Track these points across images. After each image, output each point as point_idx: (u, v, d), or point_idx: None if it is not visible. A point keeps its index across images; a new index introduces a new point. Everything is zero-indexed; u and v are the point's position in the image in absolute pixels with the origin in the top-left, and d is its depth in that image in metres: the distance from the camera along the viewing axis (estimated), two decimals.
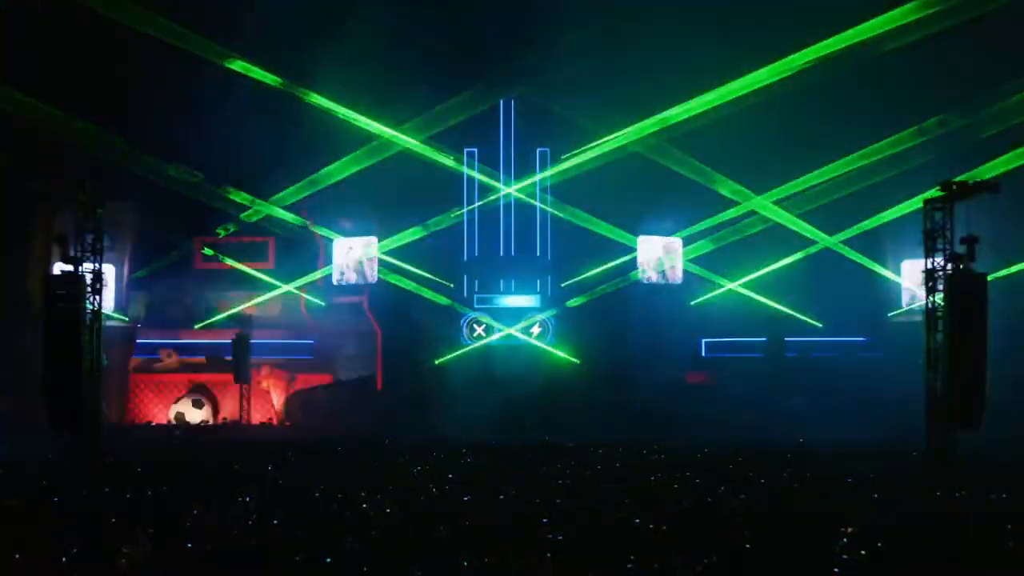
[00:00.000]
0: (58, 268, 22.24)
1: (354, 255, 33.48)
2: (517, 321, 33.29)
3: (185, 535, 11.19)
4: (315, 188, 32.33)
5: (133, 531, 10.87)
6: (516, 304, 33.79)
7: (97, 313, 20.69)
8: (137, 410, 33.90)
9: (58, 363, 20.20)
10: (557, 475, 17.30)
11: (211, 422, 32.50)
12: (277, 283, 33.97)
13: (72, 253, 20.36)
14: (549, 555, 9.89)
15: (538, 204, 33.54)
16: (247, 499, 13.55)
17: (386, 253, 33.62)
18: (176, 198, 30.93)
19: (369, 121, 31.24)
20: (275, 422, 33.74)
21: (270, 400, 34.23)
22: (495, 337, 33.21)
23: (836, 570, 9.42)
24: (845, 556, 9.85)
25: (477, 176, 33.68)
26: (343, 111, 30.77)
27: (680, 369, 32.11)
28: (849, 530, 11.06)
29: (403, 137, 31.89)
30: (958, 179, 19.30)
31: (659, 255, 33.12)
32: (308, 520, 12.09)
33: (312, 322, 34.90)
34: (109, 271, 22.93)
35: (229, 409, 33.51)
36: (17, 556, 9.98)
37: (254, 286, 34.15)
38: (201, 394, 33.35)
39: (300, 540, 10.82)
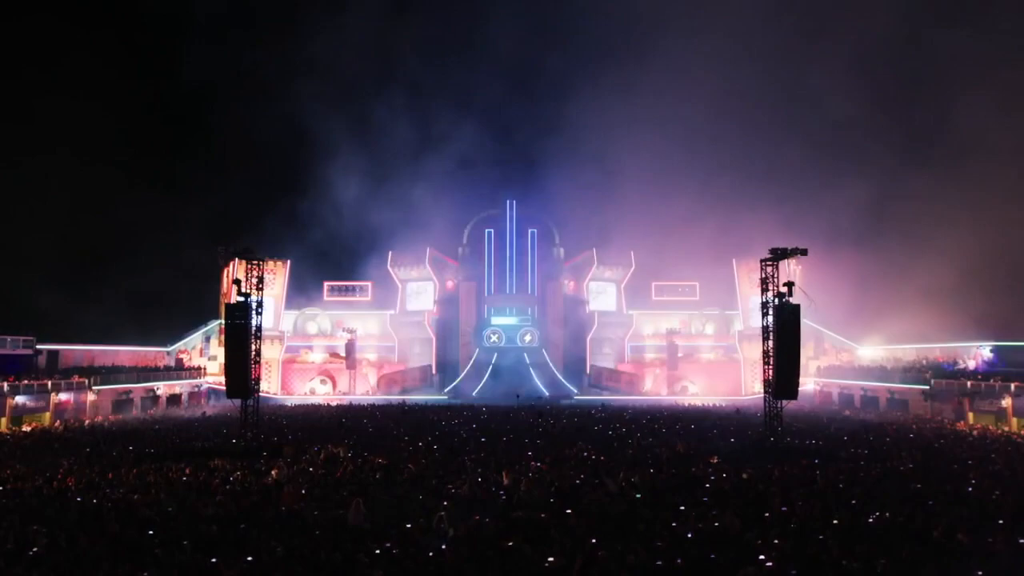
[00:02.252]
0: (234, 298, 36.13)
1: None
2: None
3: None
4: None
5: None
6: None
7: (259, 326, 34.43)
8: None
9: (233, 356, 33.70)
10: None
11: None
12: None
13: (244, 289, 34.02)
14: None
15: None
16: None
17: None
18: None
19: None
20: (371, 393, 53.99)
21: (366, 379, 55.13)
22: None
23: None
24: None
25: None
26: None
27: None
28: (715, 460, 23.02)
29: None
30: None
31: None
32: None
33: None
34: (268, 302, 37.43)
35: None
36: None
37: None
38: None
39: None
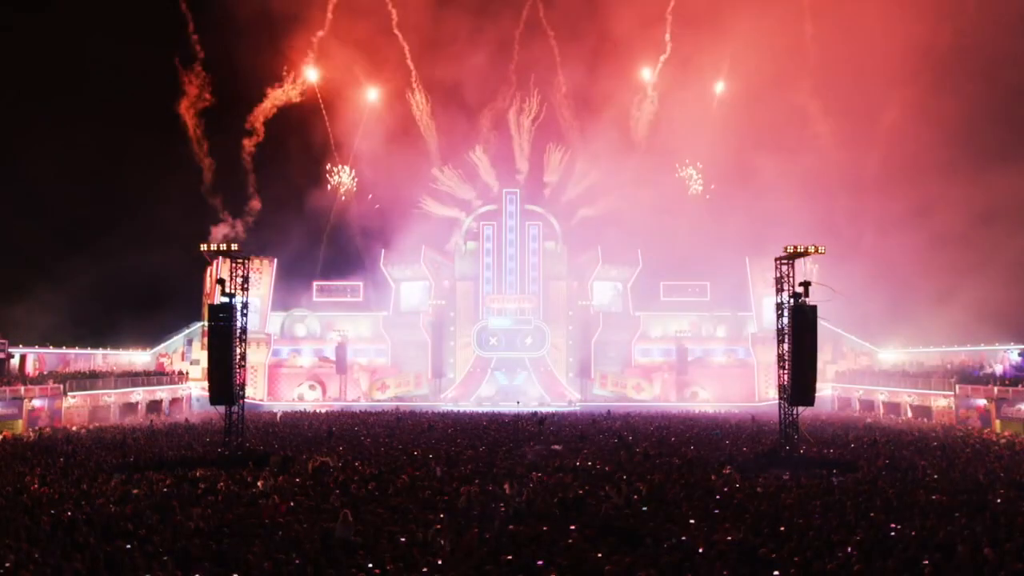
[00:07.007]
0: (217, 299, 36.00)
1: None
2: None
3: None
4: None
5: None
6: None
7: (243, 329, 34.34)
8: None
9: (217, 360, 33.58)
10: None
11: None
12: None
13: (228, 289, 33.92)
14: None
15: None
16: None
17: None
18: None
19: None
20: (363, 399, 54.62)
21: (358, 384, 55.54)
22: None
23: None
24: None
25: None
26: None
27: None
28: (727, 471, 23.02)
29: None
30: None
31: None
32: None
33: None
34: (254, 303, 37.42)
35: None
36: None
37: None
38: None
39: None
